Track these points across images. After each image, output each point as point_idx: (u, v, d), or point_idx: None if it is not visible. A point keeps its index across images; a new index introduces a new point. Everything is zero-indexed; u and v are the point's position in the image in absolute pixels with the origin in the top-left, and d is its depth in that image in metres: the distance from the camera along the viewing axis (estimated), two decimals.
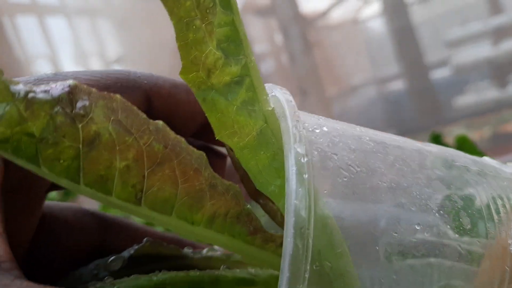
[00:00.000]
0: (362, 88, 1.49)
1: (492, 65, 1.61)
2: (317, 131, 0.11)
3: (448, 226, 0.12)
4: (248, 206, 0.13)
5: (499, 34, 1.75)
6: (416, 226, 0.11)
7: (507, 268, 0.14)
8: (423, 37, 1.53)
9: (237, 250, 0.13)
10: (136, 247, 0.15)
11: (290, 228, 0.10)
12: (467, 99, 1.49)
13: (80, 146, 0.10)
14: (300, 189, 0.10)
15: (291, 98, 0.12)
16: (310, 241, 0.11)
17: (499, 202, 0.14)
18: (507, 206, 0.14)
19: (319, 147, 0.11)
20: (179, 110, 0.15)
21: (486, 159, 0.15)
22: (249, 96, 0.12)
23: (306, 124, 0.12)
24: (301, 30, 1.09)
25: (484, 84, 1.58)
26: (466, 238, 0.13)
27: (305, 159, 0.10)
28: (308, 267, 0.10)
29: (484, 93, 1.49)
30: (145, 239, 0.15)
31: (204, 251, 0.16)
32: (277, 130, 0.12)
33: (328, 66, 1.28)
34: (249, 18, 1.32)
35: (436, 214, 0.12)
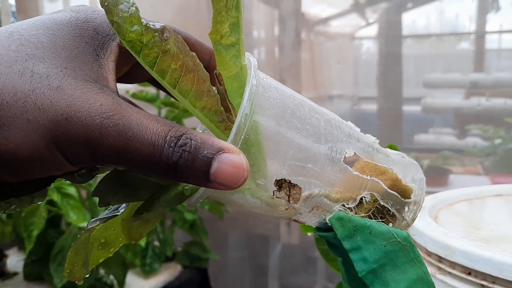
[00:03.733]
0: (338, 100, 1.60)
1: (458, 116, 1.77)
2: (264, 79, 0.25)
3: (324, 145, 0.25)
4: (221, 108, 0.25)
5: (473, 90, 1.93)
6: (297, 134, 0.25)
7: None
8: (406, 70, 1.67)
9: (211, 129, 0.26)
10: None
11: (240, 114, 0.23)
12: (428, 138, 1.65)
13: (160, 52, 0.23)
14: (249, 100, 0.23)
15: (256, 61, 0.25)
16: (248, 123, 0.23)
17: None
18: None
19: (263, 85, 0.24)
20: (203, 54, 0.28)
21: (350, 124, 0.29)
22: (236, 54, 0.25)
23: (260, 75, 0.25)
24: (297, 26, 1.21)
25: (446, 130, 1.73)
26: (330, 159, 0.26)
27: (255, 88, 0.23)
28: (244, 133, 0.23)
29: (443, 137, 1.65)
30: None
31: None
32: (246, 74, 0.25)
33: (313, 69, 1.39)
34: (256, 4, 1.43)
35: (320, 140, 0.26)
